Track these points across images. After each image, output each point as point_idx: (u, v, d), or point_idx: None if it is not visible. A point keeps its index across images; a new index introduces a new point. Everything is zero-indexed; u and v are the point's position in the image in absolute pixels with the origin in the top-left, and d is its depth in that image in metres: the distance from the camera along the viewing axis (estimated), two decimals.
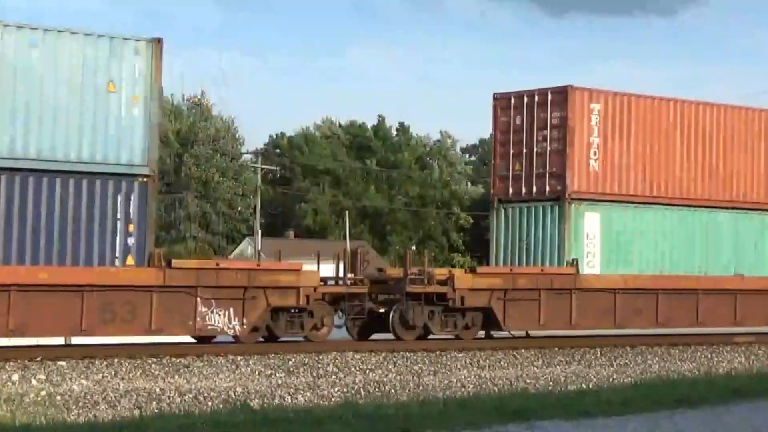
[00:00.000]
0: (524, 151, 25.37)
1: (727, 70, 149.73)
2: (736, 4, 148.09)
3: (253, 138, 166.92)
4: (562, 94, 24.80)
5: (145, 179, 20.13)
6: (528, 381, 20.34)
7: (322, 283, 21.55)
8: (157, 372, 18.49)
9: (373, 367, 20.28)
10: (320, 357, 20.39)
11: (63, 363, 18.28)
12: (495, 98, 25.90)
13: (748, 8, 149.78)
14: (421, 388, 19.14)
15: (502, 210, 25.83)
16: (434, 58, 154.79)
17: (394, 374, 20.02)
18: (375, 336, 22.91)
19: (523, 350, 22.85)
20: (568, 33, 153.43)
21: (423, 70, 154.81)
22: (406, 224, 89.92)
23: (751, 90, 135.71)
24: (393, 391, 18.85)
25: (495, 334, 24.47)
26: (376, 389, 18.94)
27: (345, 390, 18.66)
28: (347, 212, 77.54)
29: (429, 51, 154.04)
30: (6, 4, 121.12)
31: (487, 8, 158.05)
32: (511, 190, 25.62)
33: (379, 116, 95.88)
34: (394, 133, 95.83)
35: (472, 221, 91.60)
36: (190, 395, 17.41)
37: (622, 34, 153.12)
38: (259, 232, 70.42)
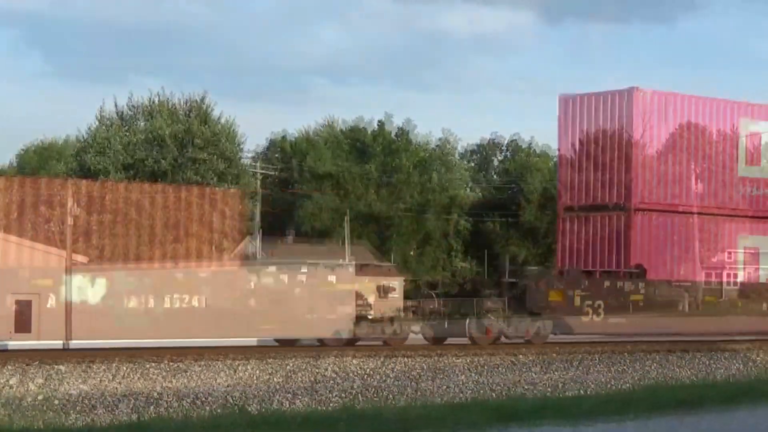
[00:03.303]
0: None
1: (726, 77, 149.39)
2: (735, 11, 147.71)
3: (253, 138, 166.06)
4: None
5: None
6: (526, 386, 20.29)
7: None
8: (155, 375, 18.47)
9: (372, 371, 20.23)
10: (318, 361, 20.35)
11: (62, 367, 18.26)
12: None
13: (747, 14, 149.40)
14: (419, 393, 19.09)
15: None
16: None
17: (393, 379, 19.98)
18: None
19: (521, 356, 22.80)
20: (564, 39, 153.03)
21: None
22: (406, 228, 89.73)
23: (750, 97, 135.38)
24: (391, 396, 18.81)
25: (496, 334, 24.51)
26: (375, 394, 18.90)
27: (343, 394, 18.62)
28: (347, 213, 77.40)
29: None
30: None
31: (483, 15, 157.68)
32: None
33: (379, 121, 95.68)
34: (394, 137, 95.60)
35: (471, 226, 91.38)
36: (189, 399, 17.37)
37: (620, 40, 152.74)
38: (259, 232, 70.26)
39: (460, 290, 26.15)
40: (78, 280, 31.93)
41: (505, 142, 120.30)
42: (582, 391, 19.64)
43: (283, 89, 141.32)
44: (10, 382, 17.25)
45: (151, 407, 16.75)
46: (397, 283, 24.49)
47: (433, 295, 24.99)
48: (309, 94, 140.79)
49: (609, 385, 20.93)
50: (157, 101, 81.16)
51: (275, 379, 19.11)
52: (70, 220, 38.64)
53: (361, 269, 24.62)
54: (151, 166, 77.44)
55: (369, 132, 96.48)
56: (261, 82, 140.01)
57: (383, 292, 23.95)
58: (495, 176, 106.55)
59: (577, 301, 25.31)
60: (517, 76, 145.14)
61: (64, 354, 19.57)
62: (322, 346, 21.81)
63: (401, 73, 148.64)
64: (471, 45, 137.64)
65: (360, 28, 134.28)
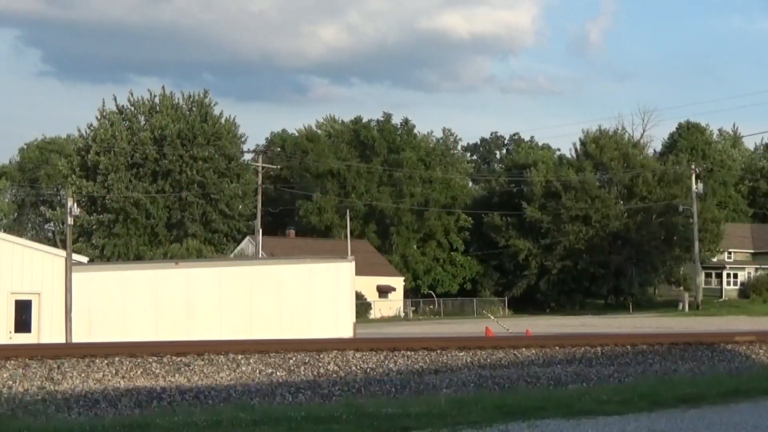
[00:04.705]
0: None
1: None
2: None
3: (253, 137, 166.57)
4: None
5: None
6: (529, 380, 20.29)
7: None
8: (158, 371, 18.47)
9: (374, 366, 20.24)
10: (321, 356, 20.35)
11: (64, 362, 18.27)
12: None
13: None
14: (422, 386, 19.10)
15: None
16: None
17: (395, 373, 19.99)
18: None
19: (524, 349, 22.81)
20: None
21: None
22: (409, 224, 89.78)
23: None
24: (393, 389, 18.81)
25: (496, 332, 24.48)
26: (377, 388, 18.90)
27: (346, 389, 18.63)
28: (348, 211, 77.49)
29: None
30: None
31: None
32: None
33: (384, 113, 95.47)
34: (398, 131, 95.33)
35: (472, 221, 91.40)
36: (191, 394, 17.38)
37: None
38: (260, 230, 70.33)
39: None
40: (78, 279, 32.00)
41: (506, 139, 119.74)
42: (584, 385, 19.62)
43: (283, 89, 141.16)
44: (13, 378, 17.26)
45: (154, 402, 16.76)
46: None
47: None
48: (309, 93, 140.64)
49: (611, 379, 20.92)
50: (158, 99, 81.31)
51: (277, 374, 19.12)
52: (69, 220, 38.60)
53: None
54: (153, 165, 77.59)
55: (373, 126, 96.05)
56: (261, 81, 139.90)
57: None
58: (499, 168, 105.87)
59: None
60: (517, 76, 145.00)
61: (66, 350, 19.58)
62: (324, 340, 21.83)
63: (401, 73, 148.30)
64: (471, 45, 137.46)
65: (360, 28, 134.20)
